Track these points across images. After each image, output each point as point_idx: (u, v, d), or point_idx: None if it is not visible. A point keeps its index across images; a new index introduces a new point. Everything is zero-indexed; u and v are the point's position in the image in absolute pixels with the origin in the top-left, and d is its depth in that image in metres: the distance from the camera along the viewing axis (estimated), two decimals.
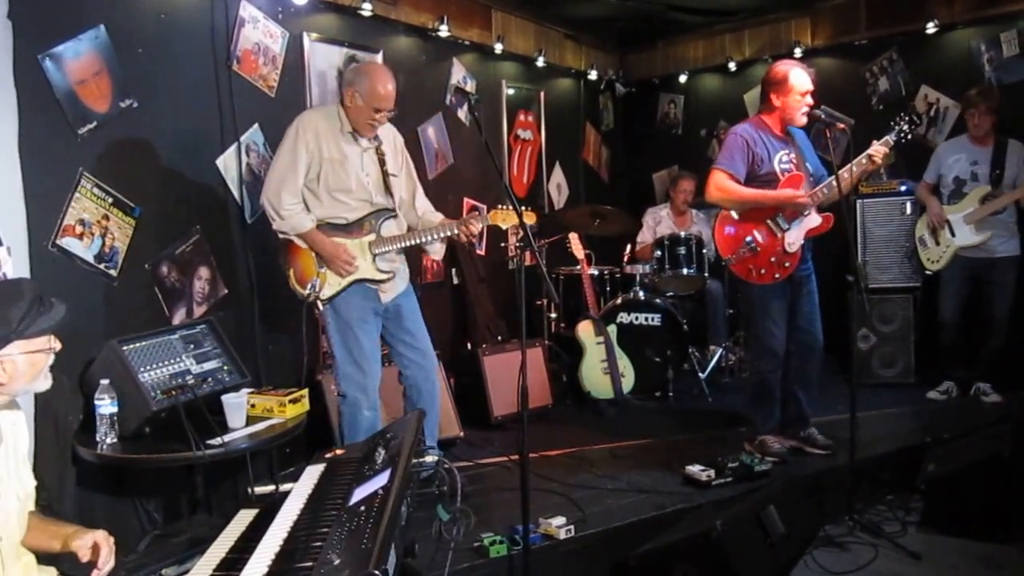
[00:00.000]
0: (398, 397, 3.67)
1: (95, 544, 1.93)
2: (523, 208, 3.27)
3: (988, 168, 4.60)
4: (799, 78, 3.65)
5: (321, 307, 3.30)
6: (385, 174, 3.37)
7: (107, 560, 1.93)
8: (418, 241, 3.40)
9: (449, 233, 3.35)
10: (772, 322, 3.77)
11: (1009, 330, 4.62)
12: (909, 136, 3.65)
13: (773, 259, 3.72)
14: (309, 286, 3.27)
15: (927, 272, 4.90)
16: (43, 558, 2.02)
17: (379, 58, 4.55)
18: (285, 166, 3.24)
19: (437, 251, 3.77)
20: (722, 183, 3.70)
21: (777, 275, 3.73)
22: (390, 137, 3.46)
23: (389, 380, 3.63)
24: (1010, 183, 4.54)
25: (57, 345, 1.93)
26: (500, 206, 3.35)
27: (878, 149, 3.58)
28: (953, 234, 4.66)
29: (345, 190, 3.28)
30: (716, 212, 3.90)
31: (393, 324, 3.47)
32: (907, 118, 3.63)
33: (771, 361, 3.81)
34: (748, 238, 3.73)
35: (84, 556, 1.93)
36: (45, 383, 1.94)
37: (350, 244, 3.30)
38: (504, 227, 3.41)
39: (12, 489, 1.92)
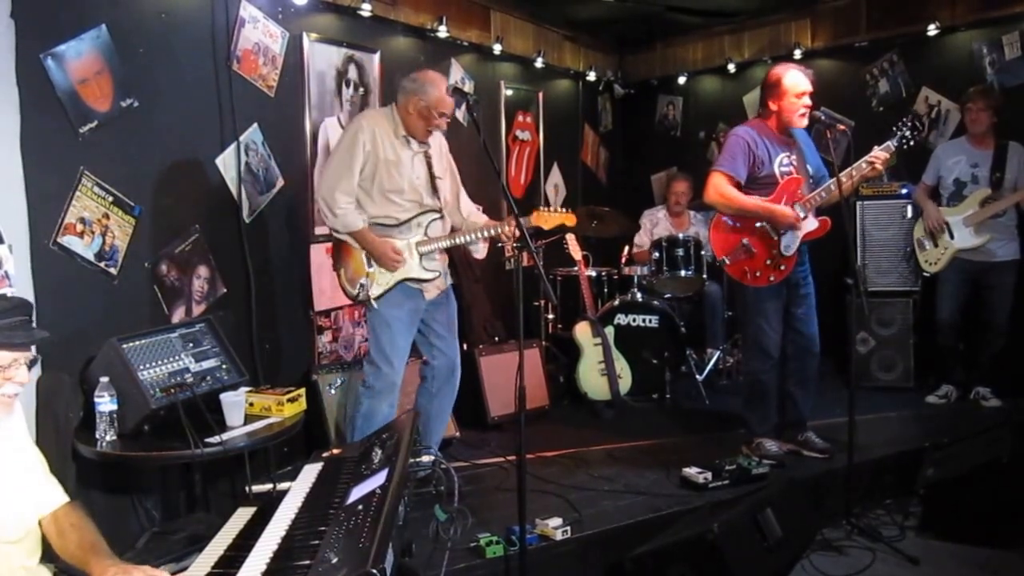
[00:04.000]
0: (412, 396, 3.74)
1: None
2: (563, 210, 3.37)
3: (988, 170, 4.59)
4: (794, 80, 3.62)
5: (375, 305, 3.37)
6: (432, 177, 3.45)
7: None
8: (462, 240, 3.51)
9: (492, 233, 3.42)
10: (766, 322, 3.77)
11: (1008, 334, 4.62)
12: (911, 142, 3.64)
13: (768, 262, 3.71)
14: (358, 285, 3.38)
15: (925, 274, 4.90)
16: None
17: (376, 58, 4.56)
18: (341, 165, 3.32)
19: (480, 250, 3.87)
20: (722, 188, 3.67)
21: (772, 278, 3.72)
22: (436, 142, 3.53)
23: (409, 376, 3.68)
24: (1011, 186, 4.53)
25: (23, 377, 1.74)
26: (543, 208, 3.41)
27: (879, 155, 3.56)
28: (952, 236, 4.66)
29: (398, 191, 3.37)
30: (713, 213, 3.88)
31: (431, 316, 3.54)
32: (909, 124, 3.62)
33: (764, 361, 3.81)
34: (744, 240, 3.73)
35: None
36: None
37: (398, 242, 3.38)
38: (546, 228, 3.45)
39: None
